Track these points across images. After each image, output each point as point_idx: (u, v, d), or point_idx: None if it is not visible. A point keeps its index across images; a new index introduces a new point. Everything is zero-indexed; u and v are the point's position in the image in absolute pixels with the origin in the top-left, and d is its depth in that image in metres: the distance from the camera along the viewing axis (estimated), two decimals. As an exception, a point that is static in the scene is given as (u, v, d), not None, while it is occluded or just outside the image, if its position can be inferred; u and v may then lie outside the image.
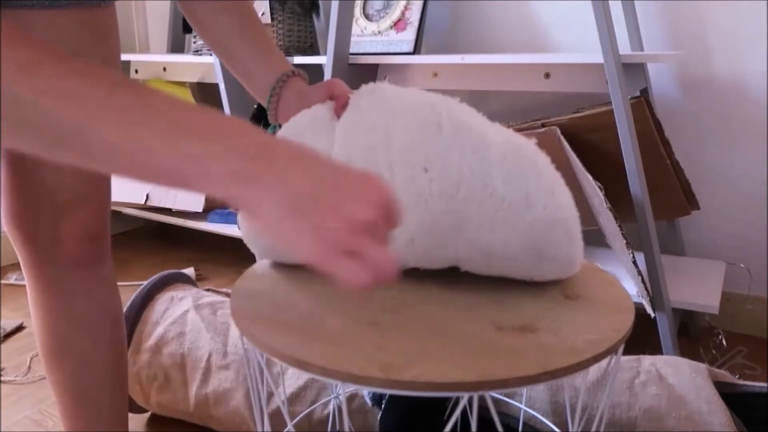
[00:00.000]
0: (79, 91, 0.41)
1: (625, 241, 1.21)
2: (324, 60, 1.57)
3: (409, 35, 1.71)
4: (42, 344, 0.84)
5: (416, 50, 1.70)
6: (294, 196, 0.43)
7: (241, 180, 0.43)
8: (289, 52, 1.86)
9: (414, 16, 1.71)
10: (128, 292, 1.23)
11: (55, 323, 0.82)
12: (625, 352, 0.86)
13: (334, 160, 0.48)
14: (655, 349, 1.33)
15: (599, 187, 1.21)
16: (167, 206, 2.02)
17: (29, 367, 1.44)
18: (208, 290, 1.29)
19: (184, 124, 0.44)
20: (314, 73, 1.99)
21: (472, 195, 0.64)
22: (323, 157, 0.47)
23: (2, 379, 1.40)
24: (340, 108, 0.72)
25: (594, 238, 1.52)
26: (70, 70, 0.42)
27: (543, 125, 1.31)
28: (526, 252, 0.66)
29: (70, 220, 0.78)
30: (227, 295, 1.29)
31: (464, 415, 0.91)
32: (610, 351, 0.57)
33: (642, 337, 1.42)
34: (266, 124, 2.17)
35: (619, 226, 1.21)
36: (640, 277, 1.26)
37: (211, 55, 1.79)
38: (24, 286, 1.93)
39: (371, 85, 0.73)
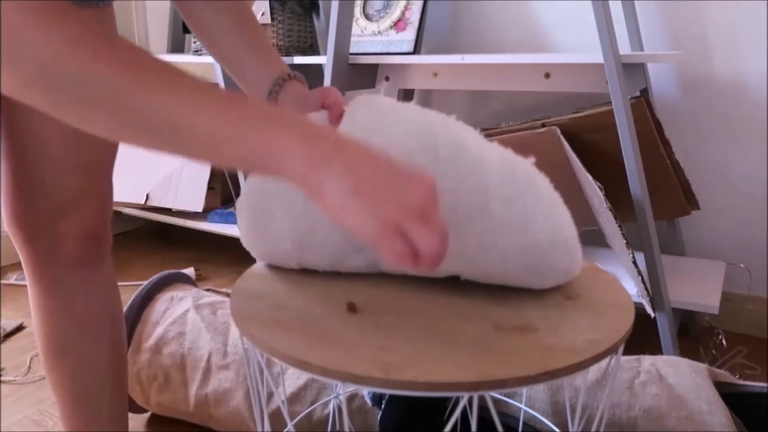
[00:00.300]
0: (177, 90, 0.48)
1: (625, 241, 1.21)
2: (324, 60, 1.57)
3: (409, 35, 1.71)
4: (42, 344, 0.84)
5: (416, 50, 1.70)
6: (357, 180, 0.49)
7: (315, 165, 0.49)
8: (289, 52, 1.86)
9: (414, 16, 1.71)
10: (128, 292, 1.23)
11: (54, 323, 0.82)
12: (625, 352, 0.86)
13: (385, 152, 0.54)
14: (655, 349, 1.33)
15: (599, 187, 1.21)
16: (167, 206, 2.02)
17: (29, 367, 1.44)
18: (208, 290, 1.29)
19: (260, 114, 0.50)
20: (314, 73, 1.99)
21: (471, 217, 0.64)
22: (375, 148, 0.53)
23: (2, 379, 1.40)
24: (334, 119, 0.72)
25: (594, 238, 1.52)
26: (161, 71, 0.48)
27: (543, 125, 1.31)
28: (526, 269, 0.66)
29: (70, 220, 0.78)
30: (227, 295, 1.29)
31: (464, 415, 0.91)
32: (610, 351, 0.57)
33: (642, 337, 1.42)
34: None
35: (619, 226, 1.21)
36: (640, 277, 1.26)
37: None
38: (24, 286, 1.93)
39: (366, 97, 0.71)
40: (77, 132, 0.75)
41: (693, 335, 1.59)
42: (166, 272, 1.26)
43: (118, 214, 2.11)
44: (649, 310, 1.30)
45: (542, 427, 0.93)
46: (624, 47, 1.49)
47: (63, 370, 0.84)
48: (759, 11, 1.45)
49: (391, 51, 1.72)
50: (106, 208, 0.82)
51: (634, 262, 1.23)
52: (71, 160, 0.76)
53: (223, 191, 2.08)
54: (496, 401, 0.95)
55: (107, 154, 0.81)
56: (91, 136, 0.77)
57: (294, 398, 1.04)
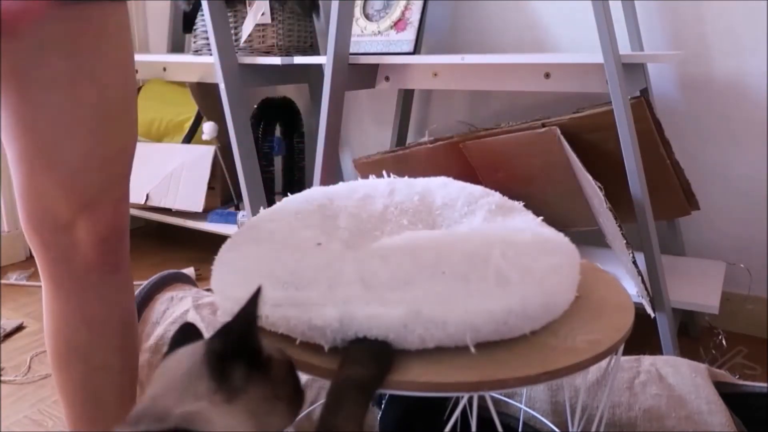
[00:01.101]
0: None
1: (625, 241, 1.21)
2: (324, 60, 1.56)
3: (409, 35, 1.71)
4: (51, 345, 0.84)
5: (416, 50, 1.70)
6: None
7: None
8: (289, 52, 1.86)
9: (414, 16, 1.71)
10: (128, 292, 1.23)
11: (65, 325, 0.82)
12: (625, 352, 0.85)
13: None
14: (655, 349, 1.32)
15: (599, 187, 1.21)
16: (167, 206, 2.02)
17: (29, 367, 1.44)
18: (208, 290, 1.29)
19: None
20: (314, 73, 1.99)
21: None
22: None
23: (2, 379, 1.40)
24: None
25: (594, 238, 1.52)
26: None
27: (543, 125, 1.31)
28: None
29: (83, 226, 0.77)
30: (227, 295, 1.28)
31: (464, 415, 0.91)
32: (610, 351, 0.57)
33: (642, 337, 1.42)
34: (267, 124, 2.15)
35: (619, 226, 1.21)
36: (640, 277, 1.26)
37: (211, 55, 1.79)
38: (24, 286, 1.94)
39: None
40: (87, 136, 0.75)
41: (693, 335, 1.59)
42: (166, 272, 1.27)
43: (118, 214, 2.10)
44: (649, 310, 1.30)
45: (542, 427, 0.93)
46: (624, 47, 1.49)
47: (70, 373, 0.84)
48: (759, 11, 1.44)
49: (391, 51, 1.72)
50: (120, 213, 0.82)
51: (634, 262, 1.23)
52: (81, 165, 0.75)
53: (223, 191, 2.08)
54: (496, 401, 0.95)
55: (119, 160, 0.81)
56: (100, 140, 0.77)
57: (294, 398, 1.04)
